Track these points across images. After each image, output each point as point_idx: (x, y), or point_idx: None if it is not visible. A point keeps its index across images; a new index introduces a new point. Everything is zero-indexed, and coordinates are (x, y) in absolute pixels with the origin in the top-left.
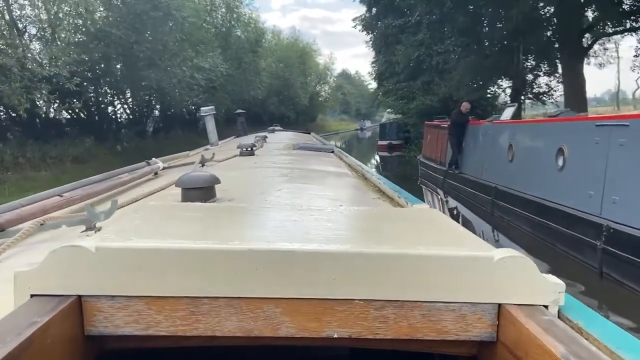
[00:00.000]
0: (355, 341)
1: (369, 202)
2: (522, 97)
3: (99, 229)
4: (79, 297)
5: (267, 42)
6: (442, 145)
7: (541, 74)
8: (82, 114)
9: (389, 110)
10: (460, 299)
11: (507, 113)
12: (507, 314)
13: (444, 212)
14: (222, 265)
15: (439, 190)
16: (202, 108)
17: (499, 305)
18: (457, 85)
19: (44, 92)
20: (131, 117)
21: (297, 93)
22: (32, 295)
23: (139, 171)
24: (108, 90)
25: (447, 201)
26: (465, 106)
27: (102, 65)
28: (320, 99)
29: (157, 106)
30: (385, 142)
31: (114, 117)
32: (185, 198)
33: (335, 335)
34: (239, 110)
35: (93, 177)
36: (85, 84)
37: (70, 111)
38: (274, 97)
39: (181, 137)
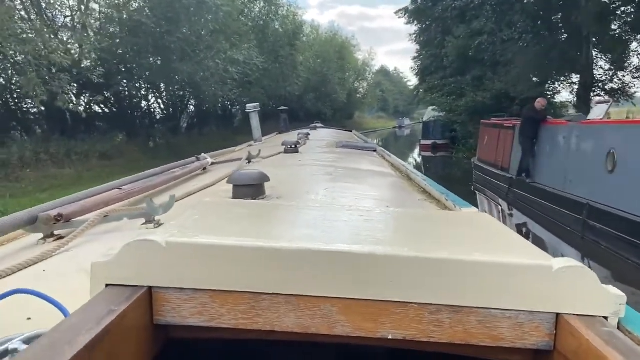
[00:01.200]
0: (409, 343)
1: (415, 203)
2: (592, 94)
3: (158, 222)
4: (150, 288)
5: (305, 36)
6: (506, 147)
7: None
8: (114, 109)
9: (432, 107)
10: (517, 306)
11: (599, 111)
12: (565, 324)
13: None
14: (282, 263)
15: (500, 200)
16: (247, 105)
17: (557, 314)
18: (516, 79)
19: (62, 83)
20: (165, 112)
21: (334, 89)
22: (107, 285)
23: (190, 166)
24: (143, 85)
25: (511, 214)
26: (541, 102)
27: (134, 57)
28: (358, 95)
29: (192, 101)
30: (428, 142)
31: (147, 112)
32: (236, 194)
33: (390, 337)
34: (282, 107)
35: (149, 171)
36: (118, 77)
37: (102, 106)
38: (311, 93)
39: (215, 134)
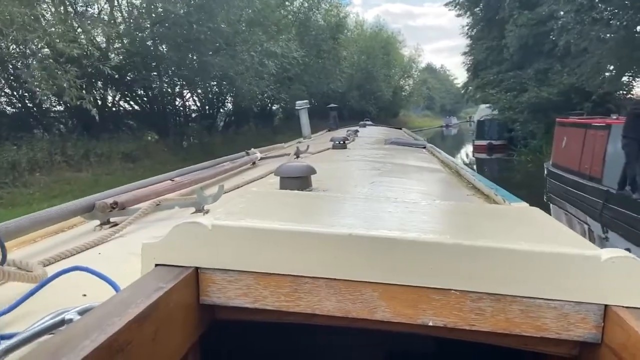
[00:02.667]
0: (450, 331)
1: (463, 198)
2: None
3: (207, 211)
4: (196, 268)
5: (349, 30)
6: (596, 152)
7: None
8: (145, 106)
9: (486, 105)
10: (562, 297)
11: None
12: (614, 316)
13: None
14: (324, 247)
15: (589, 219)
16: (297, 102)
17: (605, 306)
18: (592, 71)
19: (70, 76)
20: (201, 110)
21: (379, 87)
22: (156, 265)
23: (239, 160)
24: (177, 80)
25: (606, 237)
26: None
27: (164, 50)
28: (403, 93)
29: (229, 98)
30: (483, 142)
31: (182, 109)
32: (283, 186)
33: (430, 323)
34: (331, 105)
35: (200, 165)
36: (144, 71)
37: (131, 103)
38: (355, 90)
39: (253, 133)
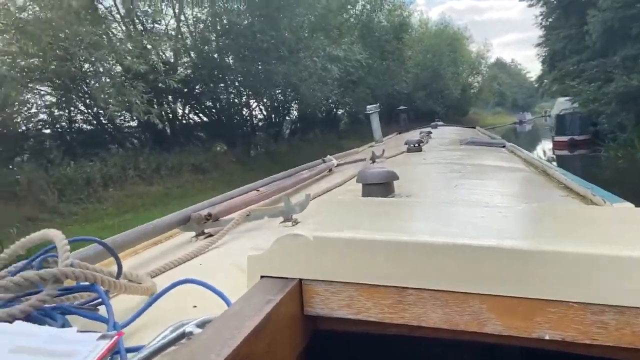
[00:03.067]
0: (568, 345)
1: (557, 199)
2: None
3: (295, 220)
4: (300, 280)
5: (413, 30)
6: None
7: None
8: (213, 118)
9: (566, 98)
10: None
11: None
12: None
13: None
14: (428, 258)
15: None
16: (368, 106)
17: None
18: None
19: (137, 91)
20: (267, 119)
21: (446, 85)
22: (261, 277)
23: (317, 168)
24: (243, 90)
25: None
26: None
27: (229, 61)
28: (472, 90)
29: (294, 106)
30: (564, 138)
31: (248, 119)
32: (366, 193)
33: (547, 337)
34: (401, 107)
35: (280, 174)
36: (211, 84)
37: (200, 115)
38: (421, 90)
39: (319, 140)
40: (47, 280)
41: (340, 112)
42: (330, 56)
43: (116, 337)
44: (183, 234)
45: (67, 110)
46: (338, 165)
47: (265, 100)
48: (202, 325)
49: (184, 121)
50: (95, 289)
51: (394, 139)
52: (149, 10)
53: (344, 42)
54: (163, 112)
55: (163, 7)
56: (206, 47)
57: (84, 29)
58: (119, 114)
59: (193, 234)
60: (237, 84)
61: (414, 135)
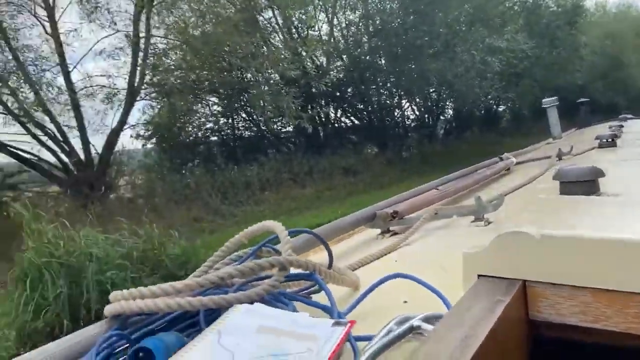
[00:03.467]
0: None
1: None
2: None
3: (487, 220)
4: (524, 281)
5: (588, 15)
6: None
7: None
8: (364, 120)
9: None
10: None
11: None
12: None
13: None
14: None
15: None
16: (544, 100)
17: None
18: None
19: (289, 97)
20: (420, 119)
21: (630, 74)
22: (479, 276)
23: (495, 167)
24: (395, 91)
25: None
26: None
27: (381, 61)
28: None
29: (449, 104)
30: None
31: (401, 120)
32: (565, 191)
33: None
34: (582, 99)
35: (455, 173)
36: (362, 86)
37: (352, 118)
38: (599, 80)
39: (477, 139)
40: (275, 267)
41: (501, 108)
42: (491, 48)
43: (349, 324)
44: (368, 231)
45: (230, 119)
46: (517, 163)
47: (418, 99)
48: (428, 320)
49: (336, 124)
50: (314, 278)
51: (575, 135)
52: (303, 17)
53: (507, 32)
54: (316, 117)
55: (317, 13)
56: (358, 49)
57: (243, 41)
58: (275, 120)
59: (378, 231)
60: (388, 84)
61: (602, 130)
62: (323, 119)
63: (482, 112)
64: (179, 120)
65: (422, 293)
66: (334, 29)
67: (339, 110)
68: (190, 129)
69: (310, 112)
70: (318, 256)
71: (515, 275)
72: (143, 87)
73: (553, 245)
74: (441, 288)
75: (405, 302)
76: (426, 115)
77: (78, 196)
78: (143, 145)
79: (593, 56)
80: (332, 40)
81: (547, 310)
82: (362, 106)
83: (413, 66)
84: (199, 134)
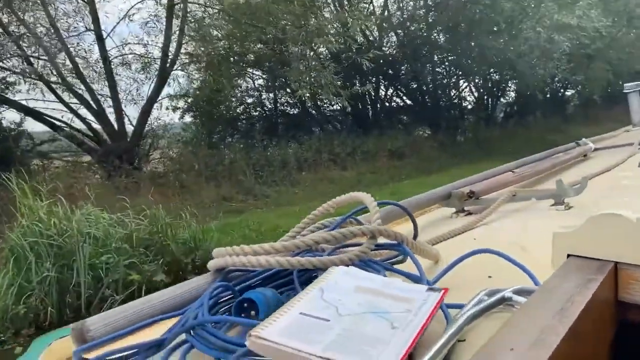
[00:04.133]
0: None
1: None
2: None
3: (568, 205)
4: (615, 263)
5: None
6: None
7: None
8: (418, 100)
9: None
10: None
11: None
12: None
13: None
14: None
15: None
16: (625, 84)
17: None
18: None
19: (326, 73)
20: (478, 101)
21: None
22: (568, 255)
23: (572, 152)
24: (451, 70)
25: None
26: None
27: (437, 37)
28: None
29: (510, 86)
30: None
31: (457, 101)
32: None
33: None
34: None
35: (531, 157)
36: (418, 64)
37: (404, 98)
38: None
39: (540, 124)
40: (366, 235)
41: (569, 93)
42: (559, 25)
43: (443, 291)
44: (442, 210)
45: (273, 93)
46: (595, 149)
47: (477, 80)
48: (520, 293)
49: (387, 103)
50: (402, 248)
51: None
52: None
53: (579, 7)
54: (365, 94)
55: None
56: (414, 23)
57: (288, 10)
58: (319, 96)
59: (453, 210)
60: (446, 63)
61: None
62: (373, 97)
63: (548, 95)
64: (219, 94)
65: (507, 270)
66: (390, 2)
67: (390, 88)
68: (231, 103)
69: (357, 89)
70: (401, 228)
71: (607, 256)
72: (179, 58)
73: None
74: (532, 268)
75: (490, 277)
76: (485, 97)
77: (109, 167)
78: (180, 117)
79: None
80: (385, 13)
81: (638, 293)
82: (415, 85)
83: (472, 43)
84: (240, 108)
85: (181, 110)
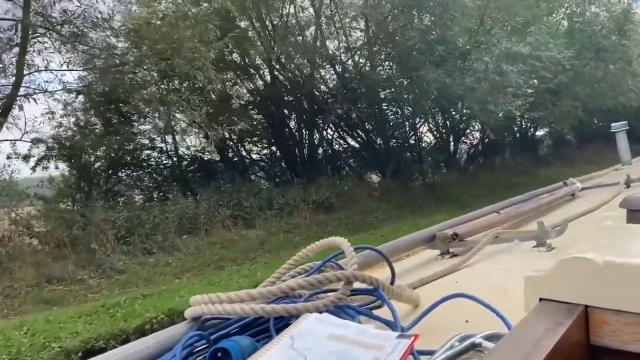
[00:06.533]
0: None
1: None
2: None
3: (550, 246)
4: (585, 306)
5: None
6: None
7: None
8: (366, 142)
9: None
10: None
11: None
12: None
13: None
14: None
15: None
16: (612, 124)
17: None
18: None
19: None
20: (438, 142)
21: None
22: (540, 299)
23: (559, 192)
24: (404, 108)
25: None
26: None
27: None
28: None
29: (474, 125)
30: None
31: (414, 143)
32: (632, 220)
33: None
34: None
35: (518, 197)
36: (357, 101)
37: (348, 139)
38: None
39: (508, 166)
40: (342, 281)
41: (541, 132)
42: (509, 53)
43: (413, 338)
44: (427, 252)
45: (171, 135)
46: (583, 189)
47: (437, 118)
48: (490, 339)
49: (328, 147)
50: (378, 293)
51: None
52: None
53: (531, 33)
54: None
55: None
56: (356, 56)
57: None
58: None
59: (438, 252)
60: (396, 100)
61: None
62: (306, 139)
63: (517, 135)
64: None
65: (483, 314)
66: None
67: (330, 129)
68: (111, 147)
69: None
70: (379, 273)
71: (577, 300)
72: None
73: (617, 272)
74: (501, 310)
75: (467, 321)
76: (445, 137)
77: None
78: (32, 168)
79: None
80: (318, 44)
81: (608, 337)
82: (362, 125)
83: (417, 77)
84: (127, 154)
85: (35, 158)
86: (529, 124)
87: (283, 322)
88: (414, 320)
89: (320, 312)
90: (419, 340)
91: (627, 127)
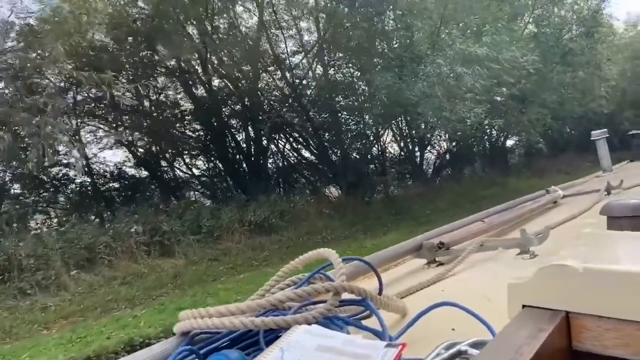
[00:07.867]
0: None
1: None
2: None
3: (533, 253)
4: (567, 312)
5: (617, 35)
6: None
7: None
8: (322, 154)
9: None
10: None
11: None
12: None
13: None
14: None
15: None
16: (593, 132)
17: None
18: None
19: None
20: (402, 152)
21: None
22: (523, 306)
23: (541, 200)
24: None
25: None
26: None
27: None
28: None
29: (441, 135)
30: None
31: (377, 154)
32: (612, 227)
33: None
34: (634, 132)
35: (501, 205)
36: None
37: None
38: (629, 110)
39: (476, 178)
40: (330, 292)
41: (511, 141)
42: (465, 55)
43: (401, 347)
44: (414, 261)
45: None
46: (564, 196)
47: (402, 128)
48: (474, 346)
49: (277, 159)
50: (366, 304)
51: (625, 169)
52: None
53: (486, 32)
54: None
55: None
56: (304, 61)
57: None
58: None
59: (425, 261)
60: (355, 108)
61: None
62: (251, 151)
63: (487, 144)
64: None
65: (469, 321)
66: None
67: (281, 141)
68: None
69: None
70: (367, 283)
71: (558, 306)
72: None
73: (596, 278)
74: (487, 317)
75: (453, 329)
76: (410, 148)
77: None
78: None
79: (622, 81)
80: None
81: (589, 342)
82: (316, 135)
83: (372, 82)
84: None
85: None
86: (499, 133)
87: (273, 335)
88: (401, 330)
89: (310, 324)
90: (406, 349)
91: (607, 135)
